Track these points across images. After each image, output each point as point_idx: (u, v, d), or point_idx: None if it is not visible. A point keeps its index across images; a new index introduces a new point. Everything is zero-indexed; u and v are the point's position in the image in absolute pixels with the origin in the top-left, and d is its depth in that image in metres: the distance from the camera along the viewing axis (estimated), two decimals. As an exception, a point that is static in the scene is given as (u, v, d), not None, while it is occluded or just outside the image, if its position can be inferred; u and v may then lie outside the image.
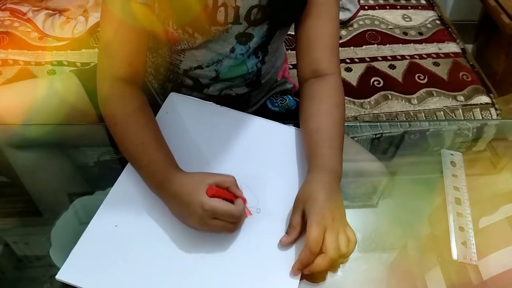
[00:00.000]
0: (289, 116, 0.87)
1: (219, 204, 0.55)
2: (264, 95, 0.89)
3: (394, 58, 1.22)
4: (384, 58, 1.21)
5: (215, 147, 0.69)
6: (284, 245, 0.58)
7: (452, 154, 0.76)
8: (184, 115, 0.72)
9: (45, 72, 1.06)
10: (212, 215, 0.55)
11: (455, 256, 0.63)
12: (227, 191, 0.58)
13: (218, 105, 0.75)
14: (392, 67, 1.19)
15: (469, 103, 1.13)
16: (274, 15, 0.71)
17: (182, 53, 0.75)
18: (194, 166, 0.63)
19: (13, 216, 0.67)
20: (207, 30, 0.69)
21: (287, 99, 0.90)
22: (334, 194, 0.60)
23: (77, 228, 0.60)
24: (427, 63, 1.21)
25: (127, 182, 0.63)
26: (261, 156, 0.69)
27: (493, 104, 1.14)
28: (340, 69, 0.73)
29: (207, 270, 0.57)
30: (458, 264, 0.62)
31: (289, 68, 1.11)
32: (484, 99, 1.14)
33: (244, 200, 0.60)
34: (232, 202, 0.58)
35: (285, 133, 0.72)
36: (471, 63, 1.23)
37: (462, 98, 1.14)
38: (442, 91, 1.14)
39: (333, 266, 0.57)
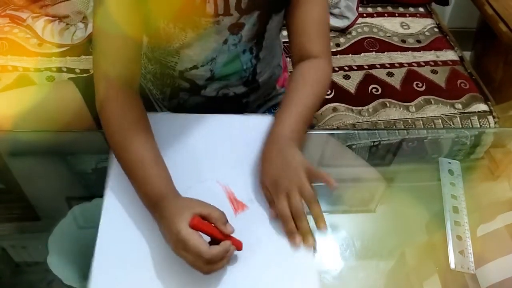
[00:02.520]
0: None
1: (191, 238, 0.52)
2: (264, 102, 0.89)
3: (392, 65, 1.22)
4: (382, 66, 1.22)
5: (198, 155, 0.68)
6: (298, 244, 0.59)
7: (450, 163, 0.76)
8: (161, 132, 0.68)
9: (44, 78, 1.06)
10: (183, 247, 0.53)
11: (452, 265, 0.63)
12: (214, 226, 0.55)
13: (191, 114, 0.75)
14: (390, 74, 1.19)
15: (467, 111, 1.13)
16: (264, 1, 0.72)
17: (176, 54, 0.75)
18: (182, 178, 0.62)
19: (11, 222, 0.67)
20: (197, 24, 0.70)
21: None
22: (284, 155, 0.63)
23: (74, 235, 0.60)
24: (425, 71, 1.21)
25: (117, 191, 0.63)
26: (245, 150, 0.69)
27: (491, 112, 1.14)
28: (330, 53, 0.75)
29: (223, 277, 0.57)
30: (456, 273, 0.62)
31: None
32: (482, 107, 1.15)
33: (238, 243, 0.57)
34: (217, 238, 0.55)
35: (264, 123, 0.72)
36: (469, 71, 1.24)
37: (460, 106, 1.14)
38: (440, 99, 1.14)
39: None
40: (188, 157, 0.68)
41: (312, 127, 0.97)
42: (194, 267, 0.53)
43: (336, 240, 0.62)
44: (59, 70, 1.09)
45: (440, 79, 1.20)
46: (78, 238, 0.59)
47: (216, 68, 0.77)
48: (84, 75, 1.02)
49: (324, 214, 0.65)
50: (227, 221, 0.56)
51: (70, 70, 1.09)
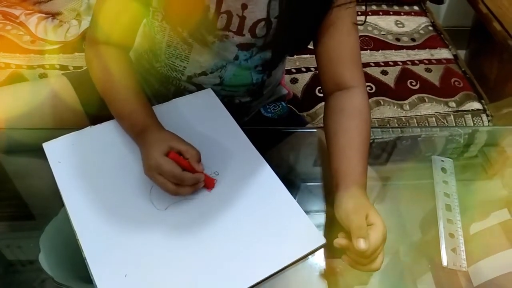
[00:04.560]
0: (282, 122, 0.88)
1: (166, 163, 0.58)
2: (262, 103, 0.89)
3: (386, 64, 1.22)
4: (377, 64, 1.21)
5: None
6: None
7: (442, 161, 0.76)
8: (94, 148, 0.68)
9: (37, 75, 1.05)
10: (157, 170, 0.59)
11: (445, 262, 0.63)
12: (187, 161, 0.60)
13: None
14: (384, 73, 1.19)
15: (460, 109, 1.13)
16: (280, 36, 0.70)
17: (185, 59, 0.74)
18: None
19: (3, 220, 0.66)
20: (204, 38, 0.69)
21: (280, 106, 0.90)
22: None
23: (66, 233, 0.59)
24: (419, 69, 1.21)
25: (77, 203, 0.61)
26: (199, 129, 0.70)
27: (484, 111, 1.14)
28: (364, 81, 0.72)
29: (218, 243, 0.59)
30: (449, 271, 0.62)
31: (286, 73, 1.11)
32: (476, 105, 1.15)
33: (211, 182, 0.62)
34: (189, 171, 0.60)
35: (207, 98, 0.75)
36: (463, 69, 1.24)
37: (454, 104, 1.14)
38: (434, 97, 1.14)
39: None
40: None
41: (305, 124, 0.97)
42: (164, 186, 0.59)
43: (330, 238, 0.62)
44: (52, 67, 1.08)
45: (434, 77, 1.20)
46: (70, 236, 0.58)
47: (225, 76, 0.76)
48: (78, 71, 1.01)
49: (318, 213, 0.66)
50: (200, 160, 0.61)
51: (63, 68, 1.09)
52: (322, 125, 1.01)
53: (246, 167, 0.67)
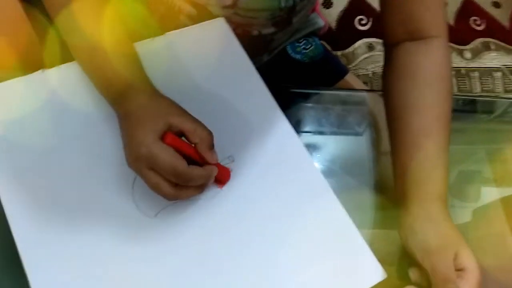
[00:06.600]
0: (314, 67, 0.71)
1: (163, 154, 0.40)
2: (290, 37, 0.71)
3: (445, -8, 1.01)
4: (433, -8, 1.01)
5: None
6: None
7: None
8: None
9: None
10: (149, 164, 0.41)
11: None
12: (194, 147, 0.43)
13: None
14: (442, 4, 0.99)
15: (533, 62, 0.96)
16: None
17: None
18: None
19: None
20: None
21: (313, 44, 0.73)
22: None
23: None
24: (485, 3, 1.03)
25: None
26: (206, 85, 0.51)
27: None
28: (447, 27, 0.55)
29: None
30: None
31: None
32: (551, 58, 0.98)
33: (225, 174, 0.46)
34: (197, 163, 0.42)
35: (217, 33, 0.55)
36: (538, 7, 1.03)
37: (525, 55, 0.96)
38: (502, 43, 0.98)
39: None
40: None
41: (345, 72, 0.77)
42: (158, 189, 0.41)
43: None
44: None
45: (503, 16, 1.02)
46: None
47: None
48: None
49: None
50: (213, 145, 0.44)
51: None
52: (362, 71, 0.87)
53: (275, 152, 0.48)
